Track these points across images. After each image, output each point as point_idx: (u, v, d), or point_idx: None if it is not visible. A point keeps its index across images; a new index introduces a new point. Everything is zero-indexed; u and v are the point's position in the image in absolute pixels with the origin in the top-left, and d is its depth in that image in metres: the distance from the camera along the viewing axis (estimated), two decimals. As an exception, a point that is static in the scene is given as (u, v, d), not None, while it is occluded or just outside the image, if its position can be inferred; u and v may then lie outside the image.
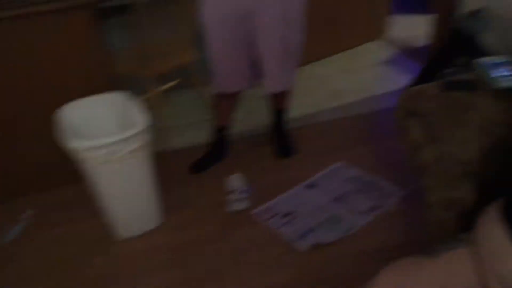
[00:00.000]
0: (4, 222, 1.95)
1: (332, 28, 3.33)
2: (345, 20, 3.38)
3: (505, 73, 1.35)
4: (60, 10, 1.81)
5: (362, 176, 2.10)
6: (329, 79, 3.08)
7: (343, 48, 3.48)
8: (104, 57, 2.05)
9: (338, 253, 1.69)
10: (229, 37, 1.86)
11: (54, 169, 2.08)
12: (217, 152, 2.24)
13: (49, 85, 1.94)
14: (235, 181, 2.03)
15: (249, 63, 1.95)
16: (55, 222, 1.94)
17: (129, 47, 2.44)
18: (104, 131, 1.83)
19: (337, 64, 3.30)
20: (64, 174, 2.06)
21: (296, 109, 2.64)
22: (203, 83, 2.66)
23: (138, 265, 1.71)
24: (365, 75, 3.13)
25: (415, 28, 3.62)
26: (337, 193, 2.00)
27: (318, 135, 2.44)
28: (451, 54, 1.89)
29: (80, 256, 1.76)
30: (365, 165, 2.16)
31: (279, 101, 2.20)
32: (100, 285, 1.63)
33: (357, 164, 2.17)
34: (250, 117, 2.65)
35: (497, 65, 1.40)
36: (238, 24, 1.83)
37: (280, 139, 2.30)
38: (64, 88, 1.96)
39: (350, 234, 1.77)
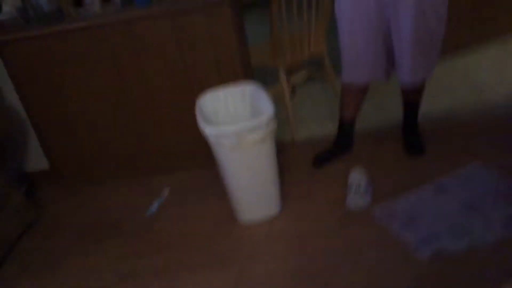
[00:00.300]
0: (147, 197, 2.22)
1: (482, 13, 2.99)
2: (498, 3, 3.01)
3: None
4: (208, 5, 1.98)
5: (503, 182, 1.88)
6: (475, 72, 2.79)
7: (495, 35, 3.10)
8: (244, 49, 2.18)
9: (464, 266, 1.54)
10: (363, 26, 1.83)
11: (193, 152, 2.29)
12: (341, 145, 2.22)
13: (195, 72, 2.13)
14: (357, 176, 1.99)
15: (382, 53, 1.89)
16: (187, 201, 2.15)
17: (264, 39, 2.54)
18: (236, 119, 1.97)
19: (486, 55, 2.98)
20: (201, 158, 2.26)
21: (433, 104, 2.48)
22: (334, 75, 2.65)
23: (257, 249, 1.80)
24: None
25: None
26: (470, 199, 1.82)
27: (454, 134, 2.24)
28: None
29: (205, 234, 1.92)
30: (508, 170, 1.93)
31: (412, 95, 2.09)
32: (220, 263, 1.76)
33: (498, 168, 1.94)
34: (380, 112, 2.57)
35: None
36: (373, 13, 1.79)
37: (411, 135, 2.19)
38: (206, 76, 2.13)
39: (481, 246, 1.60)
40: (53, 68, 2.12)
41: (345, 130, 2.20)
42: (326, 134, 2.36)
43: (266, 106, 1.77)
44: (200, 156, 2.22)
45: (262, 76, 2.47)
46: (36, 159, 2.42)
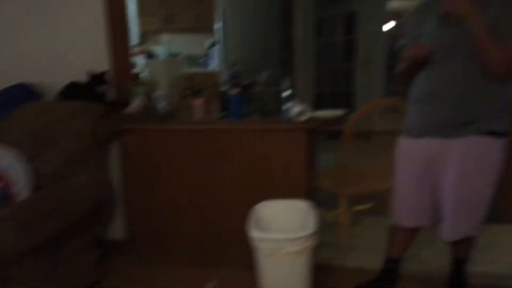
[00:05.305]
0: (194, 284, 2.45)
1: None
2: None
3: None
4: (287, 129, 2.37)
5: None
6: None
7: None
8: (311, 171, 2.46)
9: None
10: (413, 173, 2.02)
11: (243, 253, 2.50)
12: (383, 281, 2.26)
13: (262, 181, 2.45)
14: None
15: (429, 203, 2.03)
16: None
17: (333, 167, 2.81)
18: (286, 231, 2.18)
19: None
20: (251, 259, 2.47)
21: (491, 265, 2.43)
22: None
23: None
24: None
25: None
26: None
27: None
28: None
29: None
30: None
31: (457, 249, 2.12)
32: None
33: None
34: (439, 257, 2.57)
35: None
36: (424, 166, 1.98)
37: (454, 289, 2.17)
38: (273, 187, 2.43)
39: None
40: (155, 155, 2.59)
41: (389, 267, 2.26)
42: (375, 266, 2.42)
43: (310, 225, 1.97)
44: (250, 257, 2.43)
45: (333, 197, 2.67)
46: (117, 229, 2.85)
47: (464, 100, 1.82)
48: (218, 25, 5.09)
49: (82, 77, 2.55)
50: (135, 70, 4.78)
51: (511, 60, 1.74)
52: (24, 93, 2.54)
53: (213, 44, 5.43)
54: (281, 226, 2.23)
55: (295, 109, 2.36)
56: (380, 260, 2.39)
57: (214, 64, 5.44)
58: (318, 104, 6.14)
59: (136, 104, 2.61)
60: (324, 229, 2.74)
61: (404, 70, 1.99)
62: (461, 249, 2.11)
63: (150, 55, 5.36)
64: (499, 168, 1.88)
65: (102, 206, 2.64)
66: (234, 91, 2.49)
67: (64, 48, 2.70)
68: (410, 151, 2.02)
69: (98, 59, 2.64)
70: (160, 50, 5.58)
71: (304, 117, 2.34)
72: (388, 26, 5.82)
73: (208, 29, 5.30)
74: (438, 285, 2.28)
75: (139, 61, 5.25)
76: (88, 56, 2.66)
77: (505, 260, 2.51)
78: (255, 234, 1.91)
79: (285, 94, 2.52)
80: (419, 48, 1.87)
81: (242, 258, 2.50)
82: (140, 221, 2.73)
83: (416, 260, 2.57)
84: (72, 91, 2.50)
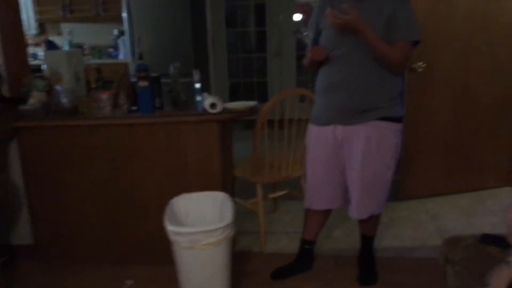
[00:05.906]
0: (110, 284, 2.35)
1: (460, 165, 3.28)
2: (476, 160, 3.30)
3: None
4: (200, 121, 2.36)
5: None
6: (441, 217, 2.97)
7: (469, 189, 3.33)
8: (226, 161, 2.47)
9: None
10: (322, 158, 2.12)
11: (161, 248, 2.46)
12: (300, 263, 2.36)
13: (177, 175, 2.41)
14: (306, 295, 2.10)
15: (339, 186, 2.15)
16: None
17: (248, 156, 2.85)
18: (204, 223, 2.17)
19: (457, 204, 3.17)
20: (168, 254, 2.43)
21: (394, 239, 2.64)
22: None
23: None
24: (484, 220, 2.92)
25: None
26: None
27: (408, 270, 2.36)
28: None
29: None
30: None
31: (365, 227, 2.27)
32: None
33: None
34: (348, 238, 2.72)
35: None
36: (331, 151, 2.08)
37: (365, 265, 2.32)
38: (188, 180, 2.40)
39: None
40: (59, 155, 2.43)
41: (305, 250, 2.36)
42: (294, 250, 2.51)
43: (228, 215, 1.98)
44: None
45: (251, 186, 2.70)
46: (23, 234, 2.63)
47: (362, 91, 1.96)
48: (124, 14, 4.87)
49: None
50: (36, 63, 4.45)
51: (406, 60, 1.96)
52: None
53: (120, 34, 5.20)
54: (198, 219, 2.21)
55: (207, 101, 2.34)
56: (297, 243, 2.49)
57: (123, 54, 5.22)
58: (233, 94, 6.16)
59: (35, 99, 2.42)
60: (243, 217, 2.79)
61: (308, 65, 2.09)
62: (368, 226, 2.26)
63: (51, 46, 5.00)
64: (397, 150, 2.05)
65: (2, 210, 2.43)
66: (143, 84, 2.41)
67: None
68: (318, 138, 2.11)
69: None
70: (62, 40, 5.23)
71: (216, 109, 2.34)
72: (296, 17, 5.99)
73: (114, 18, 5.06)
74: (350, 262, 2.42)
75: (40, 52, 4.88)
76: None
77: (406, 234, 2.74)
78: (171, 228, 1.88)
79: (197, 86, 2.49)
80: (318, 52, 1.96)
81: (160, 254, 2.45)
82: (47, 223, 2.55)
83: (329, 239, 2.71)
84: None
